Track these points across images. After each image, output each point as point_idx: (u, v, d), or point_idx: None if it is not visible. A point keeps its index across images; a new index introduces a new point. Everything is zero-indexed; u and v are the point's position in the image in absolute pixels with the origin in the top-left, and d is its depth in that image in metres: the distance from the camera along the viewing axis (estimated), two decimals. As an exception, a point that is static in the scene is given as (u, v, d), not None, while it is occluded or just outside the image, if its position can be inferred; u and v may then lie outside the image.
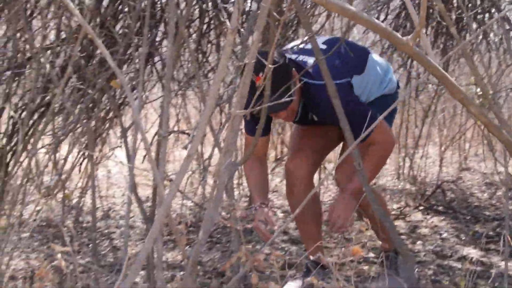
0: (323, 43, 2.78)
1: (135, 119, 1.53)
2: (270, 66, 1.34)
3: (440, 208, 4.56)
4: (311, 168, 2.98)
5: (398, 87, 2.99)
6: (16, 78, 3.10)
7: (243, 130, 2.98)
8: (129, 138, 2.75)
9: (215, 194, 1.42)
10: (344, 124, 2.34)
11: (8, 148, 3.07)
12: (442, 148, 5.87)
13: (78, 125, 2.99)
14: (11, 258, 3.16)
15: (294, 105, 2.71)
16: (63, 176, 3.12)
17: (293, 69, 2.65)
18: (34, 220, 4.25)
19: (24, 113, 3.28)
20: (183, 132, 2.91)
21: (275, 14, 1.70)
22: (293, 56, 2.76)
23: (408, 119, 5.91)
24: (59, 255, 1.33)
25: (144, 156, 3.65)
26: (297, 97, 2.71)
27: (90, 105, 3.11)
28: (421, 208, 4.59)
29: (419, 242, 3.77)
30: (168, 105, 1.68)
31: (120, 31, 3.21)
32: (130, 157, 2.15)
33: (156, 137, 3.00)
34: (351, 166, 2.56)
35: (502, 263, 3.27)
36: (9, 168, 3.18)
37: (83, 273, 3.29)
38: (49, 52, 2.96)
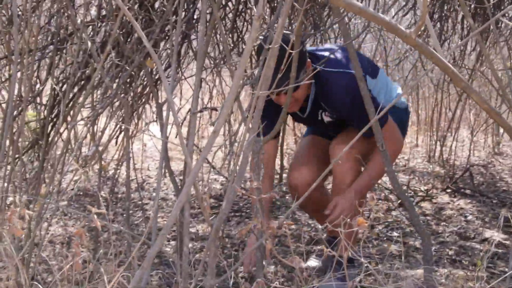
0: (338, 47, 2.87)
1: (168, 98, 1.64)
2: (291, 51, 1.44)
3: (468, 191, 4.61)
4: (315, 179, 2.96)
5: (407, 106, 3.04)
6: (59, 53, 3.24)
7: None
8: (164, 113, 2.88)
9: (238, 167, 1.54)
10: (368, 103, 2.42)
11: (49, 119, 3.21)
12: (474, 132, 5.90)
13: (116, 99, 3.11)
14: (50, 224, 3.33)
15: (299, 94, 2.69)
16: (100, 148, 3.25)
17: (309, 60, 2.68)
18: (72, 189, 4.43)
19: (65, 86, 3.43)
20: (213, 109, 3.02)
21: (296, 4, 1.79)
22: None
23: (442, 102, 5.95)
24: (94, 216, 1.46)
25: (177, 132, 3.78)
26: (304, 89, 2.71)
27: (127, 80, 3.24)
28: (448, 190, 4.65)
29: (443, 223, 3.84)
30: (199, 85, 1.79)
31: (159, 10, 3.32)
32: (163, 132, 2.27)
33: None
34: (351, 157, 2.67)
35: (524, 246, 3.34)
36: (50, 138, 3.34)
37: (116, 241, 3.45)
38: (90, 28, 3.09)
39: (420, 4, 1.03)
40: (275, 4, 3.62)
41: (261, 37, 2.60)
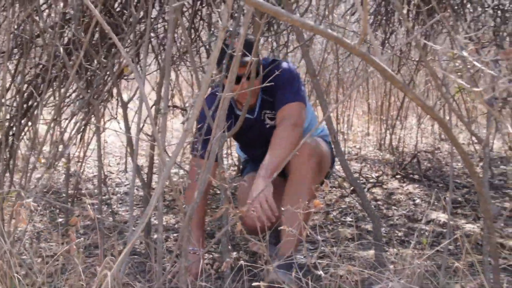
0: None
1: (142, 97, 1.81)
2: (253, 58, 1.64)
3: (416, 176, 4.89)
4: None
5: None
6: (22, 57, 3.36)
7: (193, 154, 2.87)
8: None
9: (207, 160, 1.72)
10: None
11: (14, 120, 3.33)
12: (421, 120, 6.21)
13: (79, 98, 3.25)
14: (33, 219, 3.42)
15: (255, 84, 2.61)
16: (62, 146, 3.38)
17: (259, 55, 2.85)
18: (35, 186, 4.54)
19: (30, 87, 3.55)
20: (181, 108, 3.19)
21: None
22: None
23: (391, 92, 6.24)
24: (88, 206, 1.62)
25: (140, 129, 3.93)
26: (258, 83, 2.73)
27: (89, 78, 3.38)
28: (398, 176, 4.92)
29: (393, 207, 4.10)
30: (168, 86, 1.96)
31: (118, 9, 3.47)
32: (136, 128, 2.44)
33: (153, 109, 3.29)
34: None
35: (467, 225, 3.61)
36: (15, 137, 3.45)
37: (84, 234, 3.60)
38: (55, 31, 3.22)
39: (361, 15, 1.22)
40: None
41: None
